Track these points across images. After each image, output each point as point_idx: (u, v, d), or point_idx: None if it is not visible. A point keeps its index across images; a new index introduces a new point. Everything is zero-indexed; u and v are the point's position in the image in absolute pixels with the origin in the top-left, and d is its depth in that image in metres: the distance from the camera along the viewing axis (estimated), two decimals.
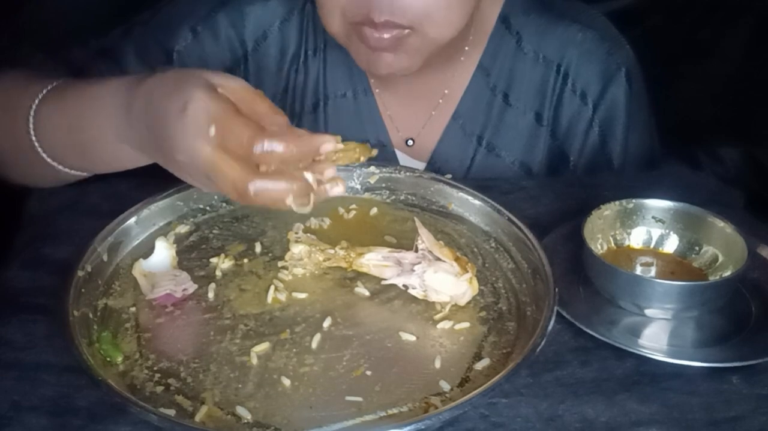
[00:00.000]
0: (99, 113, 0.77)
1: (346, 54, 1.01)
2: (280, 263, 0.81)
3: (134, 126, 0.73)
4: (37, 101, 0.83)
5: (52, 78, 0.84)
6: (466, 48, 1.05)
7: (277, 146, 0.65)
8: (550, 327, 0.69)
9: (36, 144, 0.83)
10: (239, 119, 0.66)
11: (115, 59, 1.02)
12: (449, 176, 0.94)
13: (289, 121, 1.11)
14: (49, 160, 0.84)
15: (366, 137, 1.09)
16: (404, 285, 0.77)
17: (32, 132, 0.83)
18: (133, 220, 0.83)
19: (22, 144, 0.84)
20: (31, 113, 0.82)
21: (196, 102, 0.65)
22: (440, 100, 1.07)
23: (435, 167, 1.08)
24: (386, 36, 0.88)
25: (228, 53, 1.07)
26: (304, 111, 1.09)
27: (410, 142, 1.09)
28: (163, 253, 0.79)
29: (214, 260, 0.82)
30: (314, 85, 1.09)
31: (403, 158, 1.10)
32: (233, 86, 0.68)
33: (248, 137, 0.65)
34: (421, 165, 1.09)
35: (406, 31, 0.89)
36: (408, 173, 0.92)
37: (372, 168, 0.92)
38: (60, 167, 0.84)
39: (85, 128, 0.79)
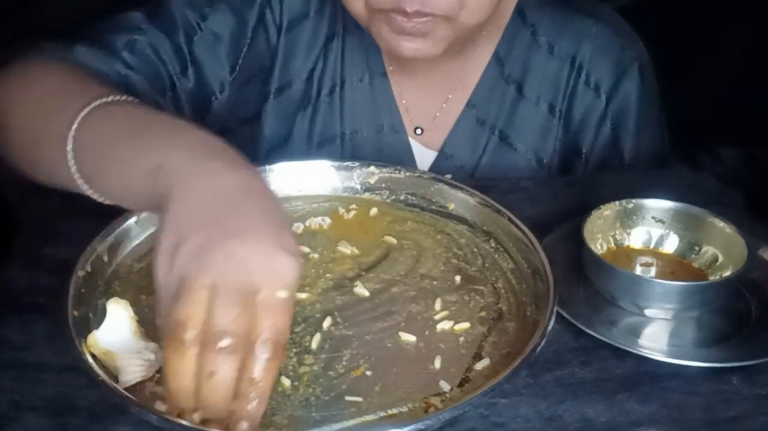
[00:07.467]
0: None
1: (363, 38, 1.00)
2: None
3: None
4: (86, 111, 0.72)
5: (101, 88, 0.76)
6: (482, 37, 1.05)
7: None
8: (550, 327, 0.69)
9: (70, 155, 0.71)
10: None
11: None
12: (449, 175, 0.94)
13: (306, 106, 1.09)
14: (77, 176, 0.72)
15: (380, 122, 1.09)
16: None
17: (70, 142, 0.71)
18: (133, 220, 0.83)
19: (50, 149, 0.72)
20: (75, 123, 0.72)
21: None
22: (454, 88, 1.08)
23: (447, 155, 1.09)
24: (415, 23, 0.89)
25: (264, 33, 1.06)
26: (320, 96, 1.09)
27: (419, 130, 1.10)
28: (119, 319, 0.67)
29: None
30: (332, 70, 1.09)
31: (415, 146, 1.10)
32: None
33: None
34: (432, 153, 1.10)
35: (439, 17, 0.89)
36: (408, 173, 0.92)
37: (372, 168, 0.92)
38: (81, 183, 0.72)
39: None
